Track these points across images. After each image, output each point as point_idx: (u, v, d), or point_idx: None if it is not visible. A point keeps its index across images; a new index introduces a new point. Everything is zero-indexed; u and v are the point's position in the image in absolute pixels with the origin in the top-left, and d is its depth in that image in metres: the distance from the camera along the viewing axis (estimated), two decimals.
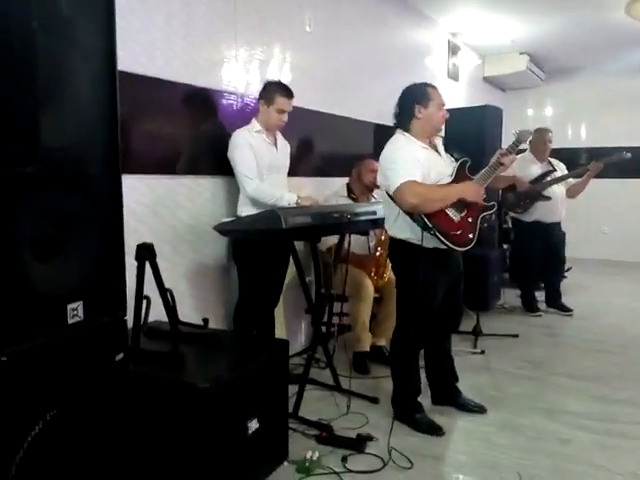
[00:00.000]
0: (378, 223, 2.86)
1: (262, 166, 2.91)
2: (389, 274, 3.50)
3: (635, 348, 3.93)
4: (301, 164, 3.61)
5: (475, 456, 2.42)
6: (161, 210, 2.75)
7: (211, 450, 1.89)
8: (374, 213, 2.85)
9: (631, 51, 5.97)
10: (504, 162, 2.54)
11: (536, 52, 6.58)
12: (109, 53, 1.57)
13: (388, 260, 3.49)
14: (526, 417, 2.79)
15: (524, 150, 4.58)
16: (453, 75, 5.88)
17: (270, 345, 2.37)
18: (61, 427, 1.54)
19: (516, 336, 4.15)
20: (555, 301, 4.91)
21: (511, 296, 5.19)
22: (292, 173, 3.24)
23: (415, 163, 2.43)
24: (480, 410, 2.83)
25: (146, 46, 2.60)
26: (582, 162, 4.39)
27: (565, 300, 4.93)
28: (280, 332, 3.37)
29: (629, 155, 4.24)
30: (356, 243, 3.39)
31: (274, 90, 2.90)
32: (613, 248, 7.39)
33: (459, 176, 2.54)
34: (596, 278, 6.37)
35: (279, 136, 3.08)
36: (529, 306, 4.89)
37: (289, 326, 3.64)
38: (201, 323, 2.33)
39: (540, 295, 5.01)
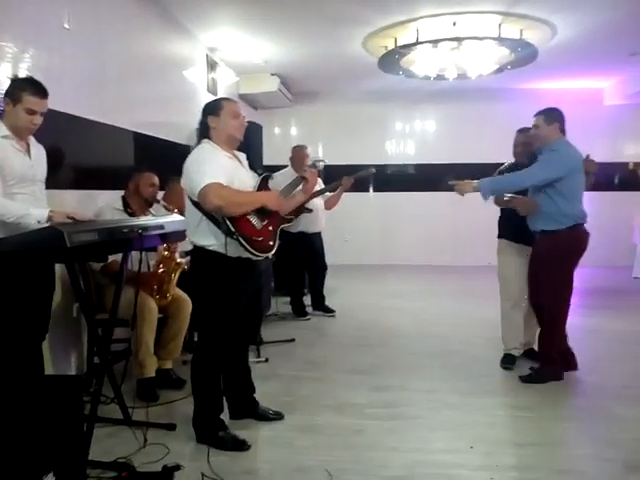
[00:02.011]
0: (167, 237, 2.70)
1: (12, 178, 2.47)
2: (173, 292, 3.33)
3: (390, 340, 4.49)
4: (57, 174, 3.15)
5: (283, 463, 2.45)
6: None
7: None
8: (162, 227, 2.69)
9: (366, 80, 6.89)
10: (306, 176, 2.70)
11: (285, 75, 7.07)
12: None
13: (172, 276, 3.33)
14: (320, 416, 2.95)
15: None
16: (212, 90, 5.93)
17: (60, 386, 2.02)
18: None
19: (293, 340, 4.37)
20: (320, 304, 5.33)
21: (279, 304, 5.45)
22: (48, 185, 2.80)
23: (220, 167, 2.44)
24: (278, 417, 2.89)
25: None
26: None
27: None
28: (47, 368, 2.92)
29: (374, 170, 4.84)
30: (134, 260, 3.12)
31: (21, 87, 2.48)
32: (353, 254, 8.36)
33: (261, 189, 2.64)
34: (344, 281, 7.08)
35: (32, 141, 2.64)
36: (299, 311, 5.20)
37: (55, 360, 3.18)
38: None
39: (306, 299, 5.36)
